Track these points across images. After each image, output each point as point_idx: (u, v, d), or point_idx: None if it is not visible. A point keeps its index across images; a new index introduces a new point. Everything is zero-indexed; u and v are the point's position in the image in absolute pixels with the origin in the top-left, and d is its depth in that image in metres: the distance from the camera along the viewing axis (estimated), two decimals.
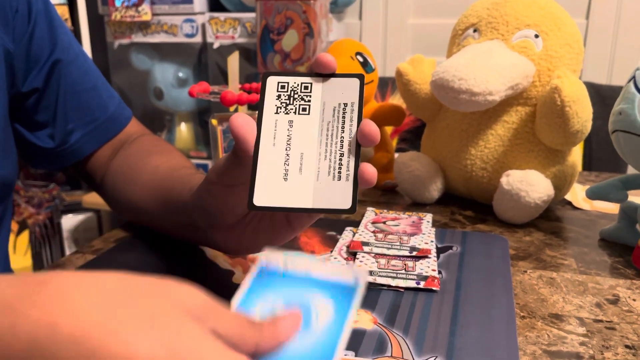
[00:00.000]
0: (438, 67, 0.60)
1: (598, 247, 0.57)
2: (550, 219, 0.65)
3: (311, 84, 0.37)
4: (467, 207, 0.69)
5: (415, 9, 1.51)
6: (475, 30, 0.65)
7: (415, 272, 0.48)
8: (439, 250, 0.54)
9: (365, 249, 0.51)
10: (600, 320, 0.43)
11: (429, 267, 0.49)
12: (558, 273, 0.51)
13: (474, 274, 0.49)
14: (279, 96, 0.37)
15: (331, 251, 0.54)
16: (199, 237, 0.48)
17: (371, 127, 0.35)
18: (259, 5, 1.11)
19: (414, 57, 0.69)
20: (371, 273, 0.48)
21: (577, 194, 0.72)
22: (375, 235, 0.53)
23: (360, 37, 1.56)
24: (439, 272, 0.50)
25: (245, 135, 0.35)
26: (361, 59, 0.73)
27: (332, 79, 0.37)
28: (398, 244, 0.51)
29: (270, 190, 0.35)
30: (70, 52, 0.58)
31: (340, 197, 0.35)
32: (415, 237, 0.52)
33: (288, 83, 0.37)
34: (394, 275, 0.48)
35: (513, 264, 0.53)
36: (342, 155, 0.36)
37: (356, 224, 0.60)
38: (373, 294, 0.46)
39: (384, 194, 0.74)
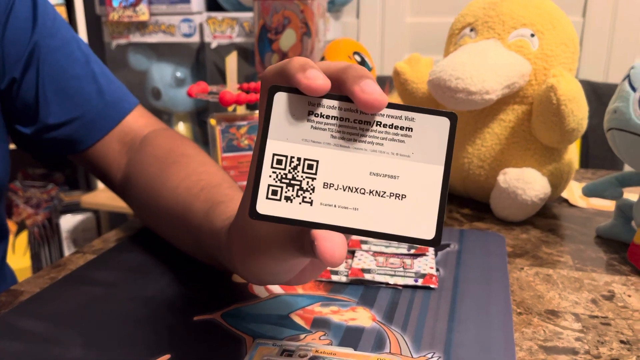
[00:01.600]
0: (435, 67, 0.61)
1: (594, 244, 0.58)
2: (546, 217, 0.65)
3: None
4: (465, 205, 0.69)
5: (412, 7, 1.52)
6: (471, 30, 0.66)
7: (414, 270, 0.48)
8: (437, 248, 0.54)
9: (364, 246, 0.51)
10: (596, 316, 0.44)
11: (427, 264, 0.49)
12: (554, 270, 0.52)
13: (471, 272, 0.50)
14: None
15: None
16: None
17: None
18: (256, 4, 1.12)
19: (411, 57, 0.69)
20: (369, 271, 0.49)
21: (573, 191, 0.72)
22: (376, 259, 0.52)
23: (357, 36, 1.57)
24: (437, 270, 0.50)
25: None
26: (359, 59, 0.74)
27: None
28: (401, 269, 0.49)
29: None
30: (57, 38, 0.56)
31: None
32: (419, 260, 0.51)
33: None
34: (392, 272, 0.48)
35: (510, 261, 0.53)
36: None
37: None
38: (372, 292, 0.46)
39: None
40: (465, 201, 0.70)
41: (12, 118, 0.57)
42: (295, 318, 0.42)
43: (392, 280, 0.47)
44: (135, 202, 0.57)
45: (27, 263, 1.70)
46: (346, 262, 0.50)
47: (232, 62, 0.68)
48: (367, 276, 0.48)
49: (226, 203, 0.44)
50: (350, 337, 0.40)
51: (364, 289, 0.47)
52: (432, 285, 0.47)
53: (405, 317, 0.43)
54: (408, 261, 0.50)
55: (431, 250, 0.53)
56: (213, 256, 0.44)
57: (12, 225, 1.67)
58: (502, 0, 0.64)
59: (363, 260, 0.51)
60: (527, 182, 0.60)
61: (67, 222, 1.70)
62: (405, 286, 0.47)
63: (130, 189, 0.57)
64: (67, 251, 1.71)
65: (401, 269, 0.49)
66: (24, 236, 1.69)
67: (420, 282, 0.47)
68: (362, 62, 0.73)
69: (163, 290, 0.46)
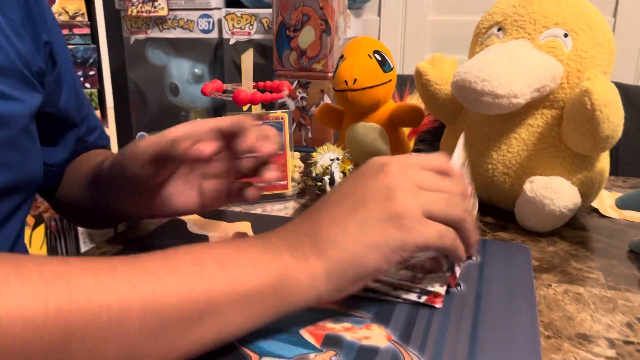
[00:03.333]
0: (460, 68, 0.57)
1: (627, 259, 0.54)
2: (575, 228, 0.61)
3: None
4: (488, 213, 0.66)
5: (435, 5, 1.48)
6: (499, 29, 0.62)
7: (421, 285, 0.45)
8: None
9: (370, 284, 0.45)
10: (632, 342, 0.40)
11: (438, 282, 0.46)
12: (585, 288, 0.48)
13: (494, 287, 0.47)
14: None
15: None
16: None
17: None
18: (275, 1, 1.09)
19: (434, 57, 0.66)
20: (374, 280, 0.46)
21: (604, 201, 0.68)
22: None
23: (379, 33, 1.53)
24: (458, 284, 0.47)
25: None
26: (379, 58, 0.71)
27: None
28: (408, 283, 0.45)
29: None
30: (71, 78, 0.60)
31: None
32: (432, 276, 0.46)
33: None
34: (398, 285, 0.45)
35: (536, 276, 0.50)
36: None
37: None
38: (387, 307, 0.43)
39: None
40: (489, 208, 0.67)
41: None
42: (305, 334, 0.40)
43: (394, 293, 0.44)
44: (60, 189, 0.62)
45: None
46: None
47: (247, 60, 0.66)
48: (370, 285, 0.46)
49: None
50: (364, 357, 0.37)
51: (379, 304, 0.44)
52: (435, 305, 0.43)
53: (423, 337, 0.40)
54: (420, 275, 0.47)
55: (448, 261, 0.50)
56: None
57: (29, 219, 1.67)
58: None
59: None
60: (555, 192, 0.56)
61: None
62: (407, 301, 0.44)
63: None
64: (83, 245, 1.71)
65: (408, 283, 0.46)
66: (41, 230, 1.70)
67: (423, 299, 0.44)
68: (383, 61, 0.71)
69: None
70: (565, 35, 0.58)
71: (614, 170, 1.06)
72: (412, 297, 0.44)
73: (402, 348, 0.38)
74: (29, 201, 0.56)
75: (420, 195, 0.39)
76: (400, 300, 0.44)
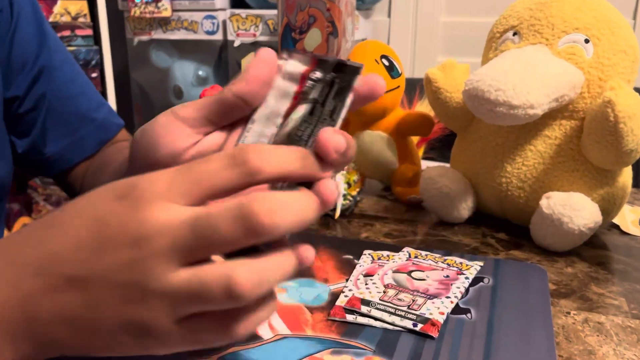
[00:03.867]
0: (472, 75, 0.54)
1: None
2: (594, 246, 0.57)
3: None
4: (501, 228, 0.62)
5: (447, 6, 1.44)
6: (515, 34, 0.58)
7: (418, 312, 0.42)
8: (469, 284, 0.48)
9: (363, 308, 0.42)
10: None
11: (437, 308, 0.43)
12: (607, 316, 0.44)
13: (508, 314, 0.43)
14: None
15: (346, 280, 0.48)
16: None
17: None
18: (280, 1, 1.06)
19: (445, 63, 0.62)
20: (368, 303, 0.43)
21: (625, 216, 0.64)
22: (385, 292, 0.45)
23: (388, 36, 1.50)
24: (468, 311, 0.43)
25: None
26: (386, 63, 0.67)
27: None
28: (405, 308, 0.42)
29: None
30: (56, 58, 0.55)
31: None
32: (433, 302, 0.44)
33: None
34: (392, 310, 0.42)
35: (554, 302, 0.46)
36: None
37: (376, 246, 0.54)
38: (391, 337, 0.40)
39: (409, 210, 0.68)
40: (502, 224, 0.63)
41: (9, 127, 0.55)
42: None
43: (389, 319, 0.41)
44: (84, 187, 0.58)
45: None
46: (356, 289, 0.44)
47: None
48: (364, 309, 0.42)
49: None
50: None
51: (382, 333, 0.40)
52: (431, 334, 0.40)
53: None
54: (420, 300, 0.43)
55: (461, 286, 0.46)
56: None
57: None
58: (552, 0, 0.56)
59: (371, 289, 0.45)
60: (574, 209, 0.52)
61: None
62: (400, 328, 0.41)
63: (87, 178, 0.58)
64: None
65: (404, 308, 0.42)
66: None
67: (419, 327, 0.40)
68: (390, 67, 0.67)
69: None
70: (586, 41, 0.54)
71: (635, 181, 1.02)
72: (408, 324, 0.41)
73: None
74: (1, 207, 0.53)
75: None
76: (395, 327, 0.41)
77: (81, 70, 0.60)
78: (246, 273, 0.24)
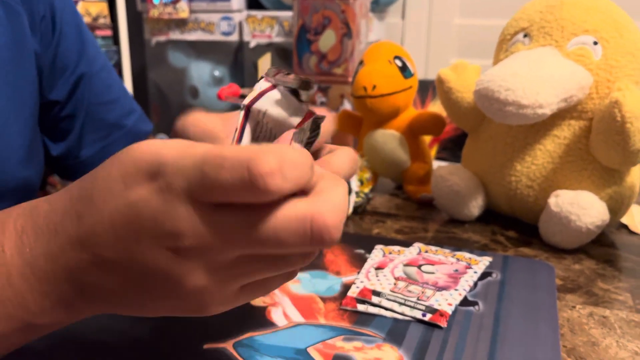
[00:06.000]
0: (483, 76, 0.55)
1: None
2: (602, 245, 0.59)
3: None
4: (510, 226, 0.63)
5: (461, 8, 1.45)
6: (525, 36, 0.60)
7: (427, 303, 0.43)
8: (478, 278, 0.49)
9: (374, 299, 0.44)
10: None
11: (446, 300, 0.44)
12: (612, 311, 0.45)
13: (515, 308, 0.44)
14: None
15: (358, 272, 0.50)
16: None
17: None
18: (296, 3, 1.08)
19: (457, 64, 0.64)
20: (379, 294, 0.44)
21: (634, 216, 0.65)
22: (395, 284, 0.47)
23: (402, 37, 1.51)
24: (476, 303, 0.45)
25: None
26: (399, 64, 0.69)
27: None
28: (414, 299, 0.44)
29: None
30: (96, 64, 0.57)
31: None
32: (441, 293, 0.45)
33: None
34: (402, 301, 0.44)
35: (560, 296, 0.48)
36: None
37: (387, 241, 0.56)
38: (401, 326, 0.42)
39: (420, 208, 0.70)
40: (511, 222, 0.64)
41: (45, 130, 0.57)
42: (313, 353, 0.38)
43: (399, 309, 0.43)
44: None
45: None
46: (364, 281, 0.46)
47: (265, 64, 0.65)
48: (374, 299, 0.44)
49: None
50: None
51: (392, 323, 0.42)
52: (440, 324, 0.41)
53: None
54: (429, 292, 0.45)
55: (470, 279, 0.48)
56: None
57: None
58: (562, 3, 0.58)
59: (381, 281, 0.47)
60: (582, 207, 0.53)
61: None
62: (413, 319, 0.42)
63: None
64: None
65: (414, 299, 0.44)
66: None
67: (428, 317, 0.42)
68: (403, 67, 0.69)
69: None
70: (595, 43, 0.55)
71: None
72: (417, 314, 0.42)
73: None
74: None
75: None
76: (404, 317, 0.42)
77: (117, 76, 0.61)
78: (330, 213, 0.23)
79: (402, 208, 0.69)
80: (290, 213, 0.23)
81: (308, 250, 0.26)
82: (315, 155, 0.34)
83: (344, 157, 0.32)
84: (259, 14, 1.27)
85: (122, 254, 0.25)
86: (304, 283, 0.48)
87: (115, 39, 1.23)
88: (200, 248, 0.24)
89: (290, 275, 0.29)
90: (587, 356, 0.39)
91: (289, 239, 0.23)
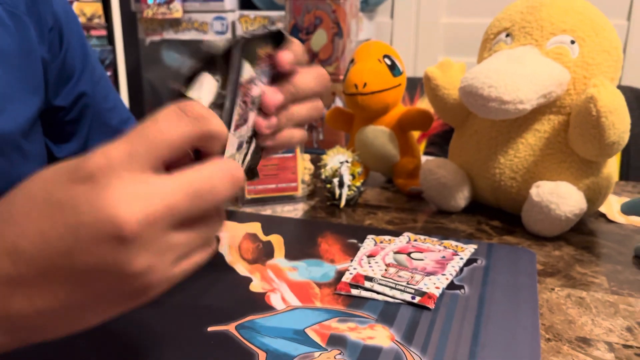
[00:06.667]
0: (467, 73, 0.58)
1: (632, 264, 0.54)
2: (582, 233, 0.62)
3: None
4: (495, 217, 0.66)
5: (448, 8, 1.48)
6: (507, 35, 0.63)
7: (416, 287, 0.46)
8: (464, 264, 0.52)
9: (367, 284, 0.47)
10: (631, 346, 0.41)
11: (434, 283, 0.47)
12: (588, 292, 0.49)
13: (498, 291, 0.48)
14: None
15: (351, 260, 0.52)
16: None
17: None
18: (288, 4, 1.11)
19: (443, 62, 0.67)
20: (371, 279, 0.47)
21: (612, 206, 0.69)
22: (386, 270, 0.50)
23: (391, 36, 1.54)
24: (462, 287, 0.48)
25: None
26: (389, 62, 0.72)
27: None
28: (404, 283, 0.47)
29: None
30: (96, 74, 0.60)
31: None
32: (429, 278, 0.48)
33: None
34: (393, 285, 0.47)
35: (540, 280, 0.51)
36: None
37: (378, 232, 0.59)
38: (392, 308, 0.45)
39: (409, 200, 0.73)
40: (496, 212, 0.67)
41: (49, 133, 0.59)
42: (310, 333, 0.41)
43: (390, 293, 0.46)
44: None
45: None
46: (358, 269, 0.49)
47: None
48: (367, 284, 0.47)
49: None
50: (367, 357, 0.38)
51: (384, 305, 0.45)
52: (428, 306, 0.45)
53: (426, 338, 0.41)
54: (418, 277, 0.48)
55: (456, 265, 0.51)
56: None
57: None
58: (542, 4, 0.61)
59: (373, 267, 0.50)
60: (561, 197, 0.57)
61: None
62: (403, 301, 0.45)
63: None
64: None
65: (404, 284, 0.47)
66: None
67: (417, 299, 0.45)
68: (392, 65, 0.71)
69: (179, 297, 0.46)
70: (572, 42, 0.59)
71: (625, 175, 1.06)
72: (407, 297, 0.45)
73: (405, 348, 0.39)
74: None
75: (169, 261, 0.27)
76: (395, 300, 0.45)
77: (112, 85, 0.64)
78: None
79: (393, 200, 0.72)
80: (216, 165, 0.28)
81: (231, 196, 0.29)
82: (288, 78, 0.38)
83: (309, 75, 0.37)
84: (251, 13, 1.30)
85: (61, 264, 0.25)
86: (300, 271, 0.51)
87: (110, 39, 1.25)
88: (144, 227, 0.24)
89: (210, 246, 0.31)
90: (564, 333, 0.42)
91: (220, 185, 0.27)
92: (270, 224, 0.62)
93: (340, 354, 0.39)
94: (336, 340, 0.40)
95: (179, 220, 0.26)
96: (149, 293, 0.27)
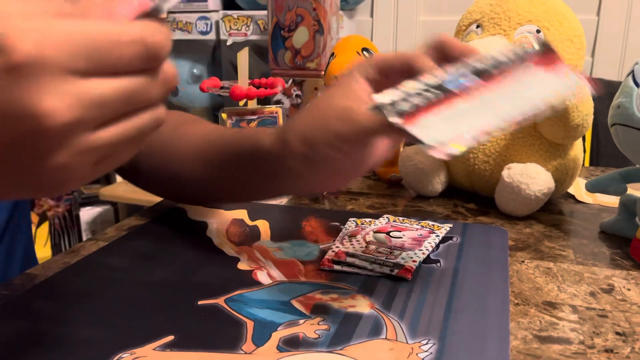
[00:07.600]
0: None
1: (597, 239, 0.58)
2: (552, 212, 0.65)
3: None
4: (470, 200, 0.70)
5: (425, 5, 1.52)
6: (478, 26, 0.66)
7: (395, 261, 0.49)
8: (440, 241, 0.55)
9: (348, 259, 0.50)
10: (593, 308, 0.44)
11: (411, 258, 0.50)
12: (555, 263, 0.52)
13: (471, 263, 0.51)
14: None
15: (334, 240, 0.55)
16: (272, 185, 0.48)
17: None
18: (270, 2, 1.13)
19: None
20: (353, 255, 0.50)
21: (580, 188, 0.72)
22: (366, 247, 0.53)
23: (371, 34, 1.58)
24: (437, 261, 0.51)
25: None
26: (367, 55, 0.75)
27: None
28: (383, 258, 0.50)
29: None
30: None
31: None
32: (407, 253, 0.51)
33: None
34: (373, 259, 0.50)
35: (511, 254, 0.54)
36: None
37: (359, 215, 0.61)
38: (372, 281, 0.47)
39: (390, 187, 0.76)
40: (471, 196, 0.71)
41: None
42: (295, 304, 0.44)
43: (370, 267, 0.49)
44: (152, 167, 0.58)
45: (48, 253, 1.74)
46: (338, 246, 0.51)
47: (243, 57, 0.70)
48: (349, 259, 0.50)
49: (262, 130, 0.48)
50: (349, 322, 0.41)
51: (364, 278, 0.48)
52: (406, 277, 0.47)
53: (404, 305, 0.44)
54: (397, 252, 0.51)
55: (432, 242, 0.54)
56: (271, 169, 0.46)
57: (34, 217, 1.72)
58: None
59: (354, 245, 0.53)
60: (530, 177, 0.60)
61: (87, 214, 1.74)
62: (381, 274, 0.48)
63: (144, 156, 0.57)
64: None
65: (383, 258, 0.50)
66: (45, 227, 1.74)
67: (395, 272, 0.48)
68: None
69: (170, 275, 0.48)
70: (538, 31, 0.62)
71: (596, 161, 1.10)
72: (386, 270, 0.48)
73: (384, 314, 0.42)
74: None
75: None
76: (375, 273, 0.48)
77: None
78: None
79: (374, 188, 0.75)
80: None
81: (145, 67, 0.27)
82: None
83: None
84: (235, 13, 1.32)
85: None
86: (285, 251, 0.54)
87: None
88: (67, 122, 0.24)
89: (138, 145, 0.30)
90: (532, 298, 0.46)
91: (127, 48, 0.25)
92: (256, 211, 0.64)
93: (323, 320, 0.41)
94: (319, 309, 0.43)
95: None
96: (63, 188, 0.27)
